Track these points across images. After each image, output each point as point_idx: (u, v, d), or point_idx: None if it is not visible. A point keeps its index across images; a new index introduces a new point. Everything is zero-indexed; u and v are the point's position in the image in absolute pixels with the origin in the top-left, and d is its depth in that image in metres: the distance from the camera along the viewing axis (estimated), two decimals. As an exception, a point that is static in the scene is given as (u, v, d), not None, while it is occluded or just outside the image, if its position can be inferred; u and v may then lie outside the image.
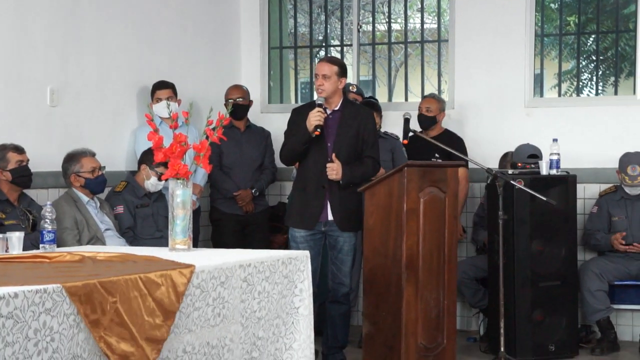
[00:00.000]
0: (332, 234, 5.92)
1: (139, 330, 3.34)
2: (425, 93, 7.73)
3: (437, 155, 7.07)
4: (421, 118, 7.19)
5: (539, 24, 7.74)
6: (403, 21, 8.37)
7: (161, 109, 6.48)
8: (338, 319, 6.06)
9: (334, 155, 5.81)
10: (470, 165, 6.27)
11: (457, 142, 7.11)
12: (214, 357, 3.84)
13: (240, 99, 7.17)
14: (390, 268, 5.57)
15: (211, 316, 3.82)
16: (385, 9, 8.58)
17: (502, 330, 5.96)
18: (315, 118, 5.71)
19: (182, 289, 3.60)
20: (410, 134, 6.22)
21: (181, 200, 4.35)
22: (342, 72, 5.87)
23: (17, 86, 5.87)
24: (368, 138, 5.94)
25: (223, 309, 3.89)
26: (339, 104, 5.91)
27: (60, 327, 3.03)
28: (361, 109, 6.11)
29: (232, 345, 3.96)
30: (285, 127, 6.05)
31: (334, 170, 5.78)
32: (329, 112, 5.85)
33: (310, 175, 5.87)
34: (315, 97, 6.04)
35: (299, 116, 5.92)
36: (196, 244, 6.67)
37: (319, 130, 5.72)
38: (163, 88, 6.74)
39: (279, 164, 7.25)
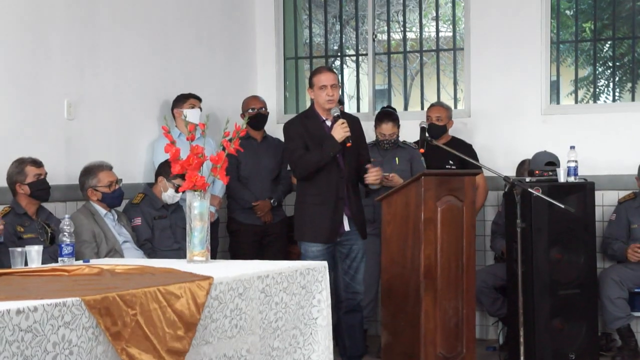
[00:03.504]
0: (346, 243, 5.91)
1: (160, 342, 3.34)
2: (442, 101, 7.71)
3: (451, 162, 7.06)
4: (432, 127, 7.10)
5: (555, 31, 7.72)
6: (418, 30, 8.37)
7: (195, 114, 6.50)
8: (356, 328, 6.05)
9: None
10: (487, 173, 6.27)
11: (468, 150, 7.10)
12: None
13: (262, 109, 7.21)
14: (408, 277, 5.57)
15: (228, 327, 3.82)
16: (400, 18, 8.58)
17: (521, 339, 5.93)
18: (344, 130, 5.73)
19: (202, 300, 3.60)
20: (434, 141, 6.26)
21: (199, 212, 4.35)
22: (339, 80, 5.99)
23: (34, 100, 5.90)
24: (363, 144, 6.07)
25: (240, 320, 3.89)
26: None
27: (79, 340, 3.04)
28: (350, 117, 6.17)
29: (249, 357, 3.95)
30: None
31: (380, 174, 5.87)
32: (329, 123, 5.86)
33: (326, 188, 5.84)
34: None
35: (300, 128, 5.92)
36: (215, 255, 6.68)
37: (350, 141, 5.75)
38: (197, 98, 6.82)
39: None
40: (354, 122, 6.01)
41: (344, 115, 6.04)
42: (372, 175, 5.83)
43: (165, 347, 3.36)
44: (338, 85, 5.89)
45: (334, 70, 6.16)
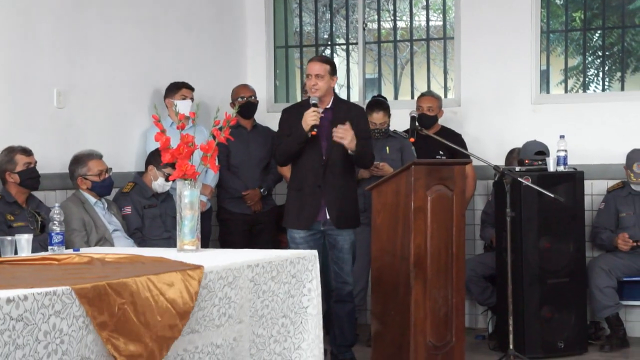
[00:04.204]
0: (331, 233, 5.93)
1: (149, 330, 3.34)
2: (432, 91, 7.70)
3: (441, 152, 7.06)
4: (423, 117, 7.08)
5: (545, 20, 7.72)
6: (408, 19, 8.36)
7: (186, 105, 6.49)
8: (345, 317, 6.07)
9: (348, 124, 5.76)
10: (478, 162, 6.27)
11: (457, 139, 7.10)
12: (218, 357, 3.84)
13: (252, 97, 7.21)
14: (398, 266, 5.57)
15: (216, 316, 3.82)
16: (391, 7, 8.57)
17: (510, 328, 5.96)
18: (311, 118, 5.72)
19: (196, 289, 3.60)
20: (424, 131, 6.26)
21: (189, 200, 4.35)
22: (333, 70, 5.92)
23: (23, 88, 5.88)
24: (362, 134, 5.95)
25: (229, 308, 3.89)
26: (330, 102, 5.92)
27: (69, 329, 3.04)
28: (352, 107, 6.17)
29: (234, 344, 3.96)
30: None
31: (348, 132, 5.71)
32: (321, 110, 5.86)
33: (306, 175, 5.87)
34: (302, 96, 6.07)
35: (290, 116, 5.94)
36: (207, 244, 6.68)
37: (315, 130, 5.73)
38: (189, 88, 6.79)
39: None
40: (351, 111, 5.98)
41: (342, 103, 6.04)
42: (338, 133, 5.71)
43: (155, 335, 3.36)
44: (326, 75, 5.83)
45: (327, 59, 6.06)
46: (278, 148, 5.96)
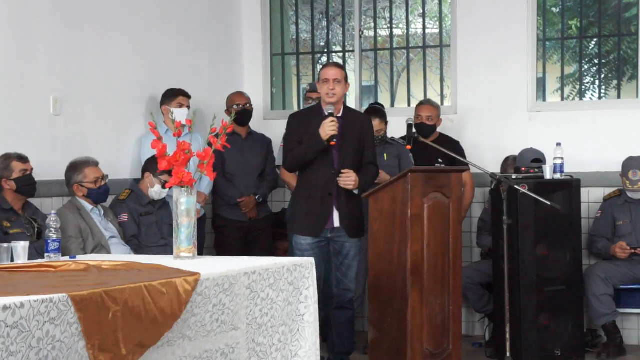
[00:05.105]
0: (338, 240, 5.91)
1: (133, 338, 3.31)
2: (431, 100, 7.70)
3: (440, 160, 7.06)
4: (422, 127, 7.10)
5: (541, 28, 7.73)
6: (405, 26, 8.37)
7: (182, 113, 6.48)
8: (344, 325, 6.06)
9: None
10: (474, 170, 6.27)
11: (456, 147, 7.10)
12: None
13: (247, 105, 7.20)
14: (395, 274, 5.57)
15: (208, 322, 3.80)
16: (387, 15, 8.57)
17: (507, 336, 5.95)
18: (330, 128, 5.71)
19: (186, 297, 3.59)
20: (421, 138, 6.25)
21: (185, 208, 4.34)
22: (346, 77, 5.91)
23: (20, 95, 5.88)
24: (368, 144, 5.98)
25: (222, 314, 3.88)
26: (341, 111, 5.92)
27: (62, 335, 3.02)
28: (360, 115, 6.19)
29: (228, 350, 3.94)
30: (287, 133, 6.07)
31: (352, 179, 5.77)
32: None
33: (316, 183, 5.85)
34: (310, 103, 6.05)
35: (300, 122, 5.93)
36: (201, 251, 6.68)
37: (334, 140, 5.73)
38: (186, 96, 6.78)
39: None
40: (360, 121, 5.99)
41: (351, 112, 6.04)
42: (342, 180, 5.81)
43: (136, 342, 3.32)
44: (343, 81, 5.84)
45: (342, 66, 6.06)
46: (289, 155, 5.92)
